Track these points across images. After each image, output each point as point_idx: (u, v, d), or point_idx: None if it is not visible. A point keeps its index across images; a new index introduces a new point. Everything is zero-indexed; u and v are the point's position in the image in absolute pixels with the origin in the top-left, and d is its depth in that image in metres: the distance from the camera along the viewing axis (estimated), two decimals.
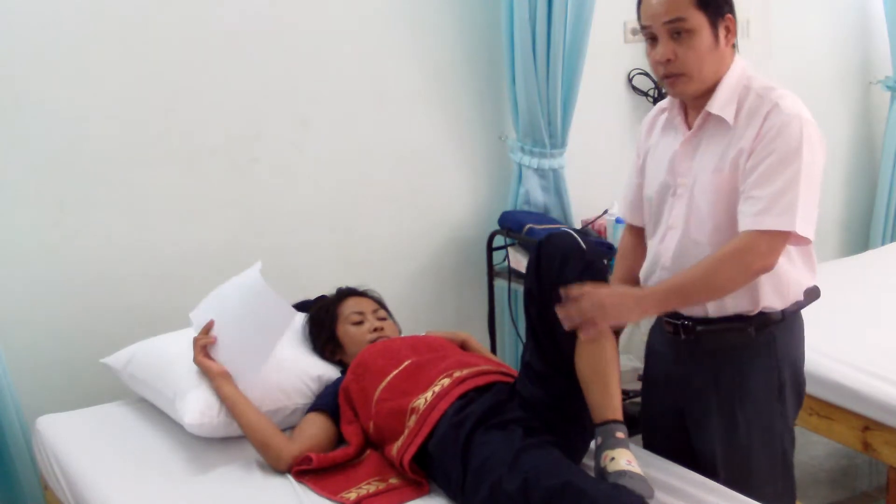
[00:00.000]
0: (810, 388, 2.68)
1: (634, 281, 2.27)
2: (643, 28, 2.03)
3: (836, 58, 4.31)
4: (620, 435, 1.94)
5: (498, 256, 3.39)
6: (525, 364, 2.17)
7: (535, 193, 3.38)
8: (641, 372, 2.35)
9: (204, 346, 2.40)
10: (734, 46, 2.05)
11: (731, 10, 2.01)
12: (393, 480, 2.14)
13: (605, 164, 3.63)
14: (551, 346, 2.09)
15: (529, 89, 3.23)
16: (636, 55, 3.59)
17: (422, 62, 3.27)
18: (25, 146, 2.68)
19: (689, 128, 2.08)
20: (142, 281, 2.88)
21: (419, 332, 2.82)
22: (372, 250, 3.26)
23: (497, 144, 3.45)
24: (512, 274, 3.30)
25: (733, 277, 1.95)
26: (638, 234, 2.30)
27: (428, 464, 2.13)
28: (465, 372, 2.24)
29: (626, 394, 3.33)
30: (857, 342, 2.78)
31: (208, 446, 2.34)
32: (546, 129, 3.31)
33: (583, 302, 1.95)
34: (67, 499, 2.31)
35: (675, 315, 2.11)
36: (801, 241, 1.96)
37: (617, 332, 2.11)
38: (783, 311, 2.06)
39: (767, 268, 1.95)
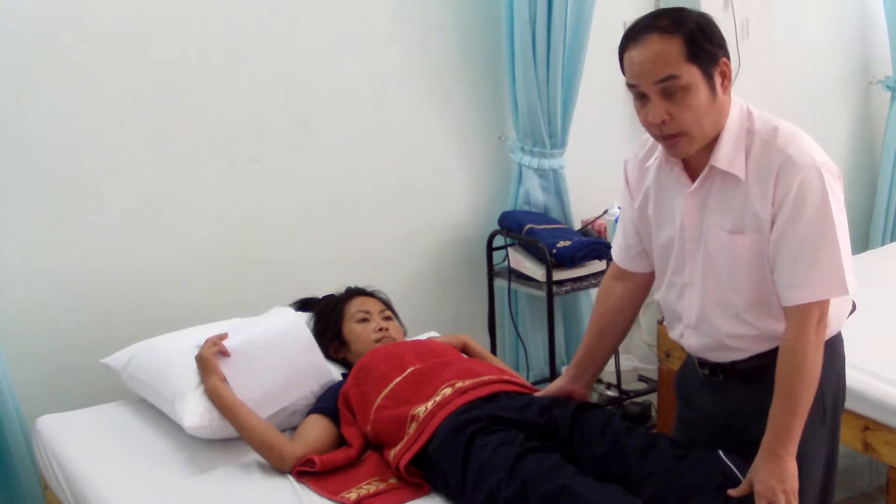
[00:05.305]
0: None
1: (606, 348, 2.17)
2: (630, 86, 1.81)
3: (836, 58, 4.31)
4: None
5: (498, 256, 3.39)
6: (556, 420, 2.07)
7: (536, 193, 3.38)
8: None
9: (218, 351, 2.37)
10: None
11: (725, 51, 1.80)
12: (393, 480, 2.14)
13: (605, 164, 3.62)
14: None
15: (529, 89, 3.23)
16: None
17: (422, 62, 3.27)
18: (25, 146, 2.68)
19: (692, 179, 1.90)
20: (142, 281, 2.88)
21: (419, 333, 2.82)
22: (372, 250, 3.26)
23: (497, 144, 3.45)
24: (512, 274, 3.30)
25: (818, 359, 1.83)
26: (630, 283, 2.15)
27: (426, 467, 2.13)
28: (468, 382, 2.23)
29: (626, 394, 3.36)
30: (857, 342, 2.76)
31: (208, 446, 2.33)
32: (546, 129, 3.31)
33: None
34: (67, 499, 2.31)
35: (706, 360, 2.00)
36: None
37: None
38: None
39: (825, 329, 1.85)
